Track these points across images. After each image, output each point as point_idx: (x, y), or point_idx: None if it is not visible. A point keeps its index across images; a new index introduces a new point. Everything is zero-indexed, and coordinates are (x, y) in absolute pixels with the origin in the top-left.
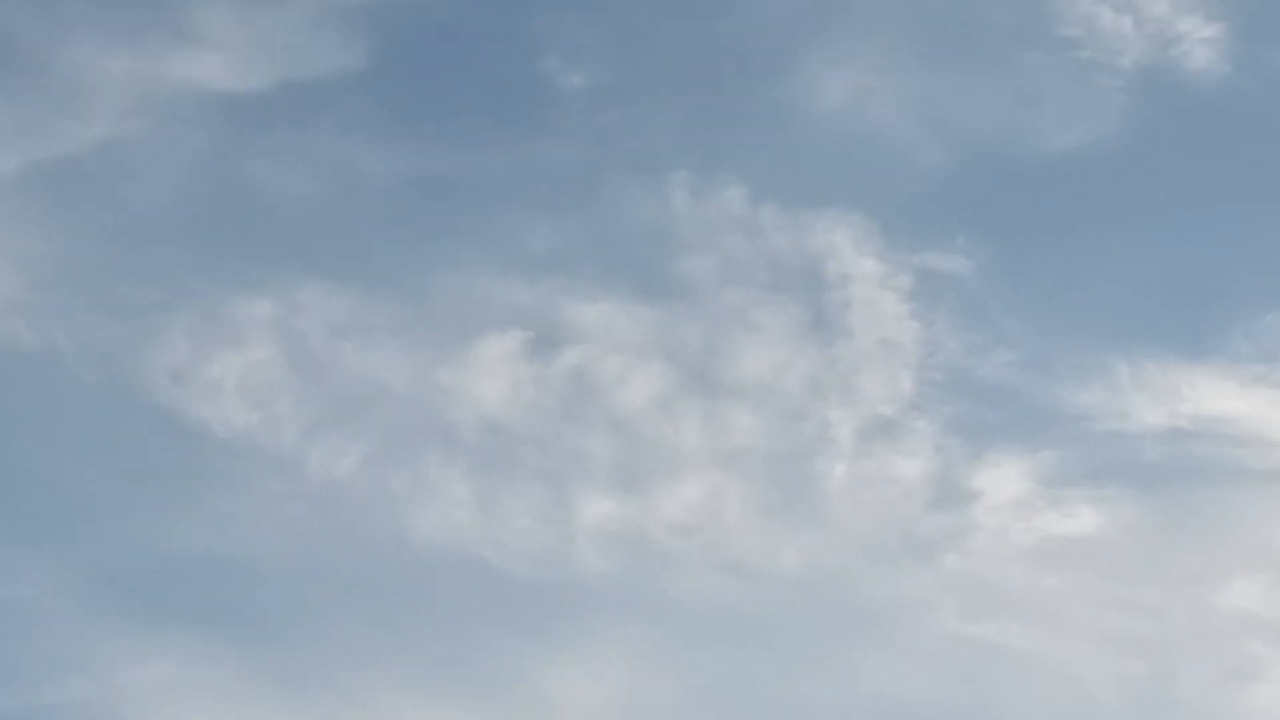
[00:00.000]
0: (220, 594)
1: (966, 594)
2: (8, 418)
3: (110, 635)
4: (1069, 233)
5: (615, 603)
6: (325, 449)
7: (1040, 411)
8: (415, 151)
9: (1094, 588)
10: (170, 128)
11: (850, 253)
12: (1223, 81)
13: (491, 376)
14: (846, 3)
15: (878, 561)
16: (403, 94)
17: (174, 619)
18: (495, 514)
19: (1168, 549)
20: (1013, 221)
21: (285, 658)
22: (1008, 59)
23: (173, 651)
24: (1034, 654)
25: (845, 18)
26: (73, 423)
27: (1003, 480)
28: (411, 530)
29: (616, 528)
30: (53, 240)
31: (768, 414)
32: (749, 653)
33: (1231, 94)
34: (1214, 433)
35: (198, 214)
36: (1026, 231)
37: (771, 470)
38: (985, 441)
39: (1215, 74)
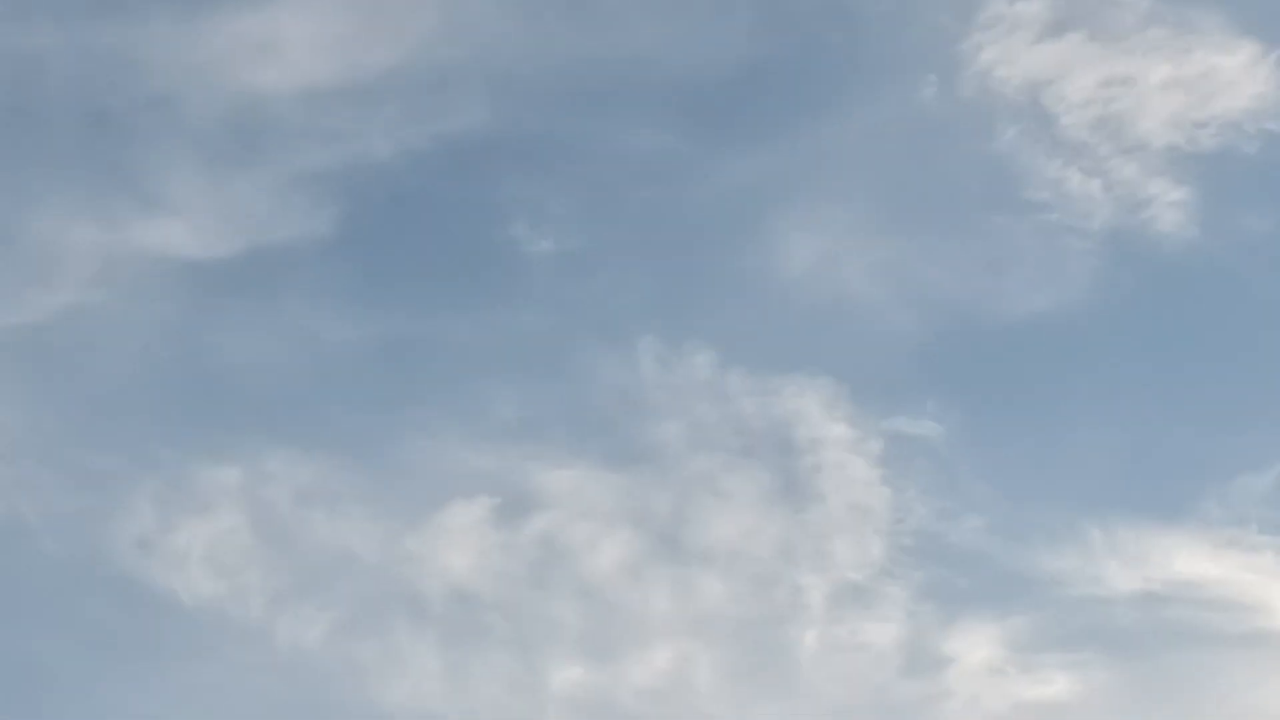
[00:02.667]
0: None
1: None
2: None
3: None
4: (1039, 397)
5: None
6: (293, 619)
7: (1012, 577)
8: (382, 318)
9: None
10: (135, 296)
11: (819, 417)
12: (1191, 244)
13: (459, 544)
14: (814, 169)
15: None
16: (369, 260)
17: None
18: (464, 683)
19: (1141, 714)
20: (982, 386)
21: None
22: (976, 223)
23: None
24: None
25: (813, 184)
26: (37, 592)
27: (975, 646)
28: (380, 700)
29: (586, 695)
30: (17, 409)
31: (738, 580)
32: None
33: (1199, 257)
34: (1187, 597)
35: (163, 382)
36: (996, 396)
37: (742, 637)
38: (957, 607)
39: (1183, 237)
